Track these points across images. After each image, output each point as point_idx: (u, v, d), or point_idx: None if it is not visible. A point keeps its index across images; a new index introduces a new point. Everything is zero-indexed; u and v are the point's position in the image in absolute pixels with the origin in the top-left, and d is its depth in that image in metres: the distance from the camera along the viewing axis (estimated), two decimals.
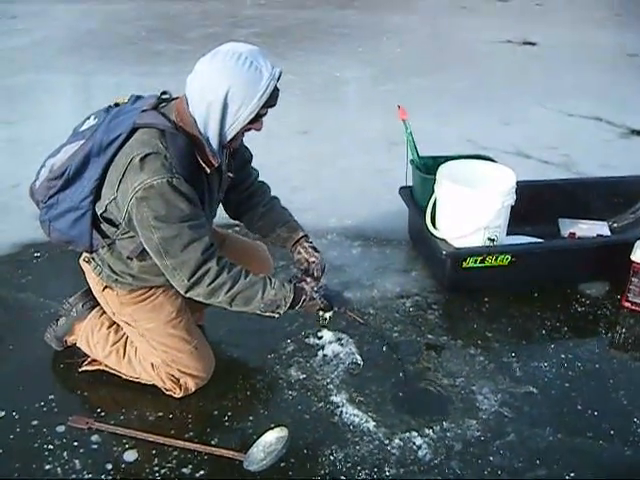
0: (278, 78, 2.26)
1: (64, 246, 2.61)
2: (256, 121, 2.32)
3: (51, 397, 2.69)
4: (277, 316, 2.45)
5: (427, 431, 2.56)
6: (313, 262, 2.62)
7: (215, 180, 2.46)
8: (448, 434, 2.55)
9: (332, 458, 2.44)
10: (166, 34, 7.93)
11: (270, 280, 2.40)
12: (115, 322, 2.76)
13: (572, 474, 2.41)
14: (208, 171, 2.34)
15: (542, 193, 3.75)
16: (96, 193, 2.33)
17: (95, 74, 6.63)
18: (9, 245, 3.74)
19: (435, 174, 3.39)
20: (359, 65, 7.05)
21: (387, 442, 2.51)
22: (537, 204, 3.67)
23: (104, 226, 2.41)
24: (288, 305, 2.40)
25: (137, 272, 2.52)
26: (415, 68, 6.92)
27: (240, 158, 2.65)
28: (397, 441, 2.51)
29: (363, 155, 4.89)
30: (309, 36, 7.98)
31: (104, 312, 2.78)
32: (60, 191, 2.41)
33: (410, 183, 3.69)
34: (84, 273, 2.71)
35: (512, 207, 3.33)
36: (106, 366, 2.79)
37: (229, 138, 2.32)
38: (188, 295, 2.37)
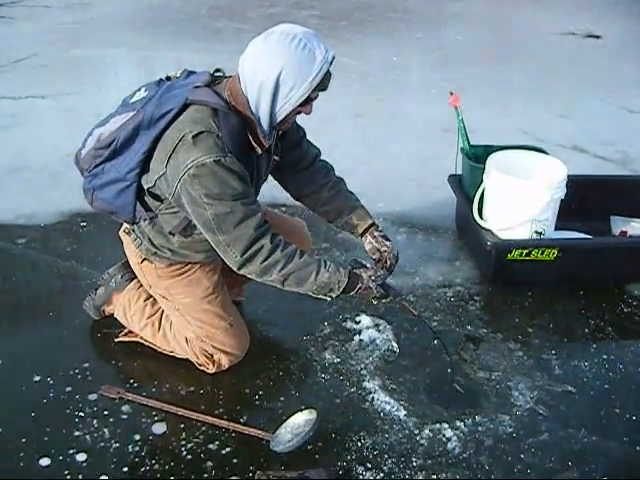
0: (331, 62, 2.21)
1: (106, 215, 2.61)
2: (307, 104, 2.28)
3: (86, 365, 2.72)
4: (329, 300, 2.43)
5: (458, 424, 2.52)
6: (385, 251, 2.57)
7: (263, 161, 2.44)
8: (480, 428, 2.51)
9: (359, 444, 2.42)
10: (226, 12, 7.93)
11: (325, 263, 2.37)
12: (152, 295, 2.76)
13: (604, 479, 2.34)
14: (259, 152, 2.33)
15: (595, 189, 3.65)
16: (143, 166, 2.32)
17: (154, 49, 6.66)
18: (57, 213, 3.80)
19: (485, 163, 3.32)
20: (418, 51, 6.97)
21: (417, 432, 2.48)
22: (589, 200, 3.57)
23: (148, 200, 2.40)
24: (341, 289, 2.37)
25: (177, 247, 2.51)
26: (474, 57, 6.80)
27: (290, 138, 2.60)
28: (427, 432, 2.48)
29: (415, 141, 4.83)
30: (369, 20, 7.91)
31: (142, 284, 2.79)
32: (106, 161, 2.40)
33: (460, 171, 3.62)
34: (123, 244, 2.72)
35: (562, 201, 3.25)
36: (142, 338, 2.81)
37: (279, 119, 2.28)
38: (241, 272, 2.35)
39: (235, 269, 2.35)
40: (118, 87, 5.54)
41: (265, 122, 2.27)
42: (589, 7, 9.02)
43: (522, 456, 2.41)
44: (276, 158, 2.54)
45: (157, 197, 2.37)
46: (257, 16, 7.76)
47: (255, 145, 2.30)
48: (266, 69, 2.16)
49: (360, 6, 8.46)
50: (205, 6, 8.20)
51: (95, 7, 8.07)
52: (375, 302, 2.56)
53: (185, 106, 2.24)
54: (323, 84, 2.22)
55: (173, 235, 2.46)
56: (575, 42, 7.58)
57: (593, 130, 5.19)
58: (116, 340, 2.84)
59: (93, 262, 3.33)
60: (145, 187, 2.35)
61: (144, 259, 2.62)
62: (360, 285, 2.41)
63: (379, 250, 2.59)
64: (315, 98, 2.29)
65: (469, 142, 3.55)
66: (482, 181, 3.31)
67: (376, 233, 2.63)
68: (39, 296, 3.14)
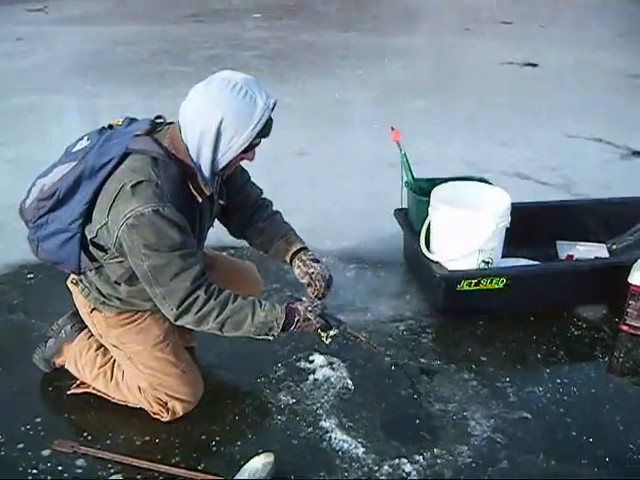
0: (273, 108, 2.23)
1: (52, 266, 2.58)
2: (249, 150, 2.29)
3: (38, 420, 2.66)
4: (272, 339, 2.41)
5: (417, 457, 2.51)
6: (313, 273, 2.54)
7: (206, 208, 2.44)
8: (439, 460, 2.51)
9: None
10: (168, 56, 7.97)
11: (260, 303, 2.36)
12: (103, 344, 2.73)
13: None
14: (200, 200, 2.32)
15: (539, 215, 3.71)
16: (86, 216, 2.31)
17: (98, 96, 6.65)
18: (2, 265, 3.73)
19: (430, 196, 3.36)
20: (359, 87, 7.06)
21: (376, 468, 2.47)
22: (534, 226, 3.63)
23: (93, 250, 2.38)
24: (280, 327, 2.35)
25: (125, 296, 2.49)
26: (415, 90, 6.92)
27: (235, 183, 2.63)
28: (386, 467, 2.47)
29: (360, 177, 4.87)
30: (310, 59, 8.00)
31: (92, 334, 2.75)
32: (50, 212, 2.39)
33: (406, 205, 3.66)
34: (72, 295, 2.69)
35: (507, 229, 3.30)
36: (94, 389, 2.76)
37: (221, 167, 2.29)
38: (178, 323, 2.34)
39: (172, 320, 2.34)
40: (62, 135, 5.43)
41: (206, 170, 2.27)
42: (526, 37, 9.27)
43: None
44: (222, 202, 2.54)
45: (101, 247, 2.35)
46: (198, 58, 7.81)
47: (196, 194, 2.30)
48: (207, 117, 2.16)
49: (301, 46, 8.56)
50: (147, 51, 8.22)
51: (36, 54, 8.03)
52: (323, 338, 2.50)
53: (125, 155, 2.24)
54: (265, 131, 2.24)
55: (119, 284, 2.44)
56: (513, 71, 7.77)
57: (534, 157, 5.30)
58: (68, 393, 2.79)
59: (42, 314, 3.26)
60: (88, 237, 2.34)
61: (93, 309, 2.59)
62: (298, 317, 2.38)
63: (307, 273, 2.55)
64: (258, 144, 2.31)
65: (413, 176, 3.59)
66: (428, 214, 3.35)
67: (304, 257, 2.60)
68: None
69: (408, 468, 2.47)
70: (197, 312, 2.27)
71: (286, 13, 10.95)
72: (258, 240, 2.69)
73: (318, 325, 2.42)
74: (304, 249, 2.64)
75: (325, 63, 7.83)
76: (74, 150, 2.42)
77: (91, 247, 2.37)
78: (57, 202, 2.36)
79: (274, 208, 2.75)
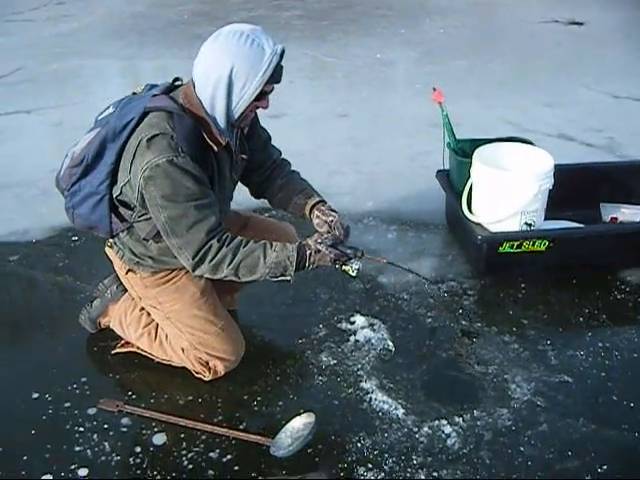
0: (281, 54, 2.28)
1: (88, 232, 2.68)
2: (262, 98, 2.34)
3: (83, 380, 2.73)
4: (289, 279, 2.40)
5: (457, 419, 2.53)
6: (331, 221, 2.53)
7: (225, 160, 2.46)
8: (478, 423, 2.52)
9: (359, 445, 2.43)
10: (208, 18, 7.91)
11: (271, 244, 2.38)
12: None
13: (605, 467, 2.36)
14: (216, 149, 2.36)
15: (583, 177, 3.65)
16: (112, 177, 2.39)
17: (138, 58, 6.67)
18: (48, 228, 3.79)
19: (472, 157, 3.33)
20: (401, 47, 6.96)
21: (416, 430, 2.49)
22: (578, 188, 3.57)
23: (122, 210, 2.46)
24: (294, 264, 2.35)
25: (156, 254, 2.54)
26: (458, 50, 6.81)
27: (257, 140, 2.67)
28: (426, 429, 2.49)
29: (402, 138, 4.83)
30: (351, 18, 7.90)
31: None
32: (81, 178, 2.48)
33: (447, 167, 3.63)
34: (110, 261, 2.74)
35: (550, 191, 3.26)
36: (138, 348, 2.82)
37: (237, 116, 2.34)
38: (196, 273, 2.39)
39: (190, 271, 2.39)
40: (104, 98, 5.43)
41: (222, 120, 2.32)
42: None
43: (522, 449, 2.42)
44: (244, 157, 2.59)
45: (127, 205, 2.43)
46: (239, 19, 7.62)
47: (211, 143, 2.33)
48: (217, 68, 2.23)
49: (342, 5, 8.45)
50: (187, 12, 8.19)
51: (76, 18, 8.04)
52: (348, 271, 2.45)
53: (144, 114, 2.30)
54: (275, 77, 2.29)
55: (148, 241, 2.50)
56: (558, 30, 7.59)
57: (579, 118, 5.20)
58: (113, 352, 2.85)
59: (86, 276, 3.32)
60: (114, 195, 2.41)
61: (128, 270, 2.64)
62: (309, 251, 2.37)
63: (326, 222, 2.54)
64: (270, 92, 2.36)
65: (455, 137, 3.56)
66: (470, 175, 3.32)
67: (323, 207, 2.60)
68: (34, 312, 3.15)
69: (448, 430, 2.48)
70: (211, 260, 2.31)
71: None
72: (277, 197, 2.71)
73: (332, 255, 2.39)
74: (322, 202, 2.64)
75: (366, 23, 7.73)
76: (99, 118, 2.52)
77: (120, 207, 2.44)
78: (86, 167, 2.45)
79: (293, 168, 2.78)
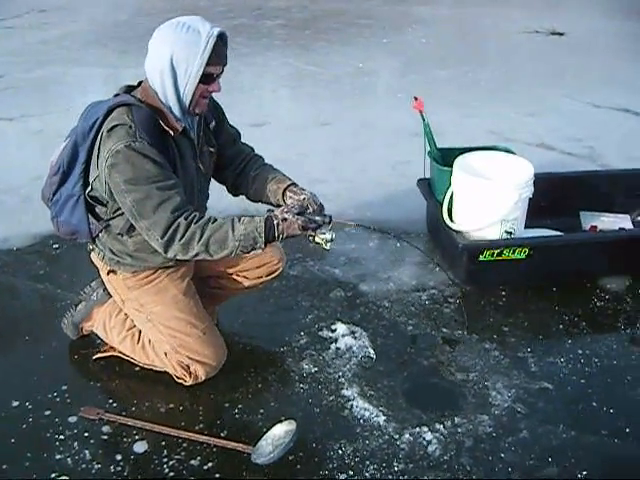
0: (218, 36, 2.31)
1: (71, 239, 2.68)
2: (211, 82, 2.39)
3: (64, 387, 2.71)
4: (260, 251, 2.42)
5: (438, 426, 2.54)
6: (304, 199, 2.51)
7: (186, 146, 2.50)
8: (459, 430, 2.53)
9: (340, 452, 2.43)
10: None
11: (239, 219, 2.39)
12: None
13: (585, 472, 2.38)
14: (172, 134, 2.40)
15: (563, 185, 3.70)
16: (85, 176, 2.45)
17: (120, 66, 6.64)
18: (29, 236, 3.78)
19: (452, 166, 3.35)
20: (383, 56, 7.01)
21: (397, 437, 2.50)
22: (558, 197, 3.62)
23: (97, 209, 2.50)
24: (262, 235, 2.35)
25: (132, 250, 2.56)
26: (440, 59, 6.86)
27: (226, 136, 2.73)
28: (407, 436, 2.50)
29: (384, 147, 4.86)
30: (334, 27, 7.94)
31: None
32: (60, 186, 2.54)
33: (429, 175, 3.65)
34: (96, 267, 2.74)
35: (530, 199, 3.29)
36: (120, 353, 2.81)
37: (188, 101, 2.39)
38: (169, 255, 2.41)
39: (162, 253, 2.41)
40: (85, 106, 5.52)
41: (176, 108, 2.40)
42: (552, 5, 9.14)
43: (502, 455, 2.43)
44: (212, 150, 2.64)
45: (100, 202, 2.48)
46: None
47: (168, 129, 2.39)
48: (160, 58, 2.32)
49: (324, 14, 8.50)
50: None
51: (59, 26, 8.03)
52: (319, 241, 2.42)
53: (108, 113, 2.37)
54: (217, 58, 2.33)
55: (122, 236, 2.54)
56: (540, 40, 7.67)
57: (560, 127, 5.25)
58: (94, 357, 2.85)
59: (67, 284, 3.31)
60: (87, 192, 2.46)
61: (110, 271, 2.66)
62: (276, 221, 2.36)
63: (298, 200, 2.51)
64: (218, 75, 2.41)
65: (436, 145, 3.58)
66: (450, 184, 3.34)
67: (295, 188, 2.60)
68: (14, 320, 3.13)
69: (429, 436, 2.49)
70: (181, 238, 2.34)
71: None
72: (252, 189, 2.71)
73: (299, 222, 2.36)
74: (294, 184, 2.64)
75: (349, 32, 7.77)
76: (72, 128, 2.58)
77: (96, 206, 2.50)
78: (63, 174, 2.52)
79: (266, 162, 2.80)
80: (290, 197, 2.57)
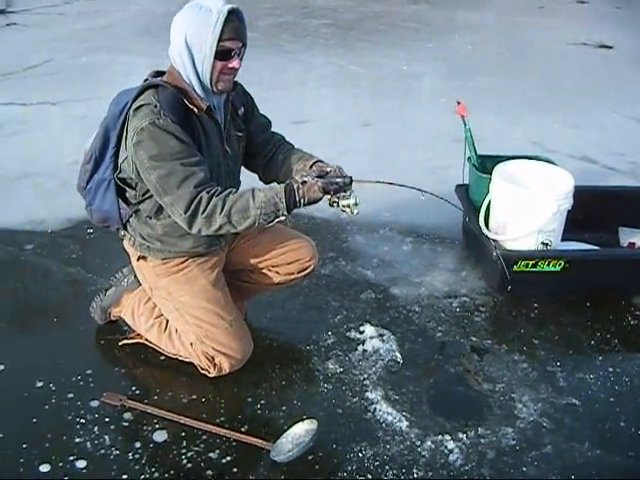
0: (230, 11, 2.32)
1: (104, 226, 2.72)
2: (229, 58, 2.38)
3: (88, 372, 2.73)
4: (284, 218, 2.40)
5: (461, 435, 2.50)
6: (331, 169, 2.45)
7: (211, 127, 2.51)
8: (482, 440, 2.49)
9: (360, 455, 2.41)
10: None
11: (259, 188, 2.41)
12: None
13: None
14: (196, 111, 2.43)
15: (603, 199, 3.63)
16: (115, 160, 2.50)
17: (166, 57, 6.63)
18: (64, 220, 3.82)
19: (492, 173, 3.31)
20: (428, 60, 6.96)
21: (418, 443, 2.47)
22: (597, 211, 3.55)
23: (127, 193, 2.54)
24: (284, 200, 2.34)
25: (161, 233, 2.58)
26: (485, 66, 6.80)
27: (256, 123, 2.75)
28: (429, 443, 2.46)
29: (424, 150, 4.82)
30: (379, 29, 7.91)
31: None
32: (93, 173, 2.59)
33: (467, 181, 3.61)
34: (128, 254, 2.75)
35: (569, 212, 3.23)
36: (146, 340, 2.82)
37: (208, 78, 2.40)
38: (193, 231, 2.42)
39: (187, 229, 2.43)
40: None
41: (197, 86, 2.43)
42: (601, 18, 9.01)
43: (524, 469, 2.39)
44: (239, 134, 2.66)
45: (129, 185, 2.51)
46: (267, 25, 7.79)
47: (192, 107, 2.42)
48: (177, 40, 2.38)
49: (370, 15, 8.47)
50: None
51: (109, 15, 8.12)
52: (344, 206, 2.39)
53: (137, 96, 2.41)
54: (230, 33, 2.33)
55: (151, 219, 2.56)
56: (587, 52, 7.56)
57: (603, 141, 5.16)
58: (120, 343, 2.86)
59: (99, 269, 3.34)
60: (116, 175, 2.50)
61: (140, 257, 2.68)
62: (296, 185, 2.35)
63: (325, 170, 2.46)
64: (236, 50, 2.38)
65: (476, 152, 3.54)
66: (489, 191, 3.30)
67: (321, 163, 2.56)
68: (44, 302, 3.16)
69: (451, 445, 2.46)
70: (203, 212, 2.36)
71: None
72: (281, 172, 2.69)
73: (319, 184, 2.34)
74: (321, 161, 2.60)
75: (394, 34, 7.74)
76: (104, 117, 2.61)
77: (125, 189, 2.53)
78: (96, 162, 2.57)
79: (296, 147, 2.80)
80: (315, 170, 2.51)
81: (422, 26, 8.12)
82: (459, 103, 3.50)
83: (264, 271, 2.83)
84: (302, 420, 2.45)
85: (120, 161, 2.47)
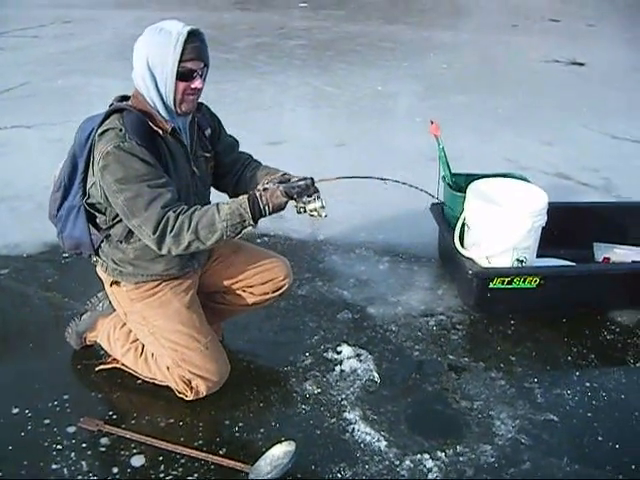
0: (190, 33, 2.34)
1: (76, 253, 2.70)
2: (190, 78, 2.40)
3: (65, 397, 2.70)
4: (252, 228, 2.42)
5: (439, 454, 2.50)
6: (294, 177, 2.47)
7: (177, 147, 2.51)
8: (461, 458, 2.49)
9: (339, 476, 2.40)
10: (214, 43, 7.86)
11: (223, 202, 2.41)
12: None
13: None
14: (161, 133, 2.44)
15: (577, 215, 3.66)
16: (84, 186, 2.50)
17: None
18: (40, 244, 3.80)
19: (466, 192, 3.33)
20: (403, 80, 7.02)
21: (397, 463, 2.46)
22: (571, 227, 3.58)
23: (97, 219, 2.54)
24: (248, 210, 2.35)
25: (133, 258, 2.57)
26: (460, 85, 6.87)
27: (223, 144, 2.76)
28: (407, 463, 2.46)
29: (399, 170, 4.78)
30: (354, 49, 7.98)
31: None
32: (63, 200, 2.59)
33: (442, 200, 3.63)
34: (101, 280, 2.74)
35: (544, 229, 3.26)
36: (123, 365, 2.80)
37: (171, 99, 2.41)
38: (162, 252, 2.42)
39: (156, 250, 2.42)
40: None
41: (161, 108, 2.44)
42: (574, 36, 9.14)
43: None
44: (207, 155, 2.66)
45: (99, 210, 2.51)
46: (244, 46, 7.83)
47: (157, 129, 2.43)
48: (139, 62, 2.40)
49: (346, 36, 8.54)
50: None
51: (83, 37, 8.13)
52: (310, 209, 2.40)
53: (102, 122, 2.42)
54: (190, 54, 2.35)
55: (121, 243, 2.55)
56: (560, 70, 7.66)
57: (577, 157, 5.23)
58: (97, 368, 2.83)
59: (75, 293, 3.32)
60: (84, 200, 2.50)
61: (113, 282, 2.66)
62: (258, 193, 2.37)
63: (287, 177, 2.48)
64: (198, 70, 2.40)
65: (450, 170, 3.57)
66: (463, 209, 3.32)
67: (287, 175, 2.54)
68: (20, 327, 3.13)
69: (430, 464, 2.45)
70: (171, 231, 2.36)
71: (332, 3, 10.94)
72: (250, 188, 2.64)
73: (281, 189, 2.35)
74: (287, 174, 2.57)
75: (370, 54, 7.80)
76: (71, 145, 2.62)
77: (95, 214, 2.52)
78: (65, 189, 2.58)
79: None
80: (280, 181, 2.49)
81: (397, 46, 8.20)
82: (432, 122, 3.53)
83: (239, 292, 2.83)
84: (280, 442, 2.43)
85: (88, 186, 2.48)
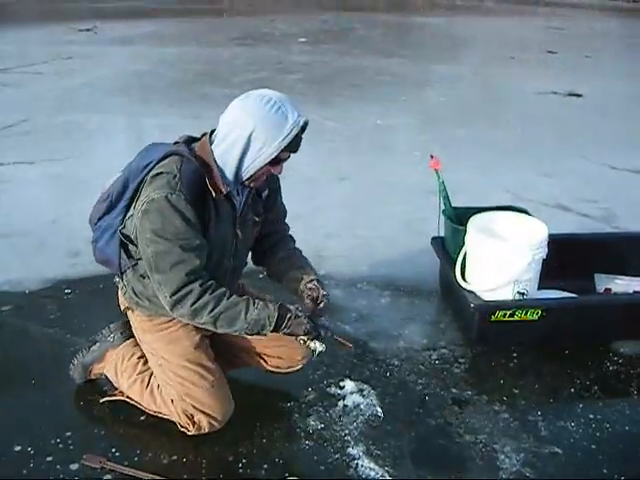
0: (303, 126, 2.34)
1: (103, 265, 2.70)
2: (277, 164, 2.40)
3: (68, 434, 2.69)
4: (264, 337, 2.49)
5: None
6: (311, 289, 2.58)
7: (226, 210, 2.49)
8: None
9: None
10: (212, 78, 8.07)
11: (254, 301, 2.43)
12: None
13: None
14: (214, 194, 2.39)
15: (577, 247, 3.67)
16: (126, 212, 2.49)
17: (142, 115, 6.76)
18: (42, 280, 3.79)
19: (467, 225, 3.35)
20: (402, 113, 7.07)
21: None
22: (572, 258, 3.59)
23: (130, 247, 2.52)
24: (273, 324, 2.40)
25: (152, 295, 2.55)
26: (458, 118, 6.92)
27: (275, 213, 2.77)
28: None
29: (399, 204, 4.87)
30: (353, 83, 8.05)
31: (137, 343, 2.81)
32: (106, 213, 2.59)
33: (442, 233, 3.65)
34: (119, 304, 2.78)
35: (544, 261, 3.27)
36: (128, 397, 2.79)
37: (248, 176, 2.40)
38: (174, 314, 2.43)
39: (168, 309, 2.42)
40: (106, 153, 5.56)
41: (230, 173, 2.39)
42: (571, 67, 9.22)
43: None
44: (257, 219, 2.64)
45: (131, 240, 2.49)
46: (242, 81, 7.88)
47: (211, 189, 2.38)
48: (240, 127, 2.32)
49: (344, 70, 8.61)
50: (191, 72, 8.35)
51: (84, 73, 8.20)
52: (311, 346, 2.51)
53: (163, 158, 2.40)
54: (293, 146, 2.35)
55: (144, 278, 2.55)
56: (557, 101, 7.72)
57: (576, 188, 5.25)
58: (101, 400, 2.83)
59: (78, 329, 3.31)
60: (119, 228, 2.49)
61: (127, 307, 2.70)
62: (290, 315, 2.43)
63: (312, 297, 2.57)
64: (286, 159, 2.42)
65: (451, 204, 3.58)
66: (464, 243, 3.33)
67: (317, 284, 2.62)
68: (22, 363, 3.12)
69: None
70: (192, 304, 2.36)
71: (331, 38, 11.06)
72: (276, 267, 2.76)
73: (307, 326, 2.45)
74: (317, 280, 2.65)
75: (368, 89, 7.87)
76: (129, 161, 2.61)
77: (128, 244, 2.51)
78: (110, 204, 2.57)
79: (296, 245, 2.85)
80: (310, 289, 2.59)
81: (396, 79, 8.27)
82: (432, 157, 3.55)
83: (254, 356, 2.83)
84: (284, 478, 2.43)
85: (127, 216, 2.47)
